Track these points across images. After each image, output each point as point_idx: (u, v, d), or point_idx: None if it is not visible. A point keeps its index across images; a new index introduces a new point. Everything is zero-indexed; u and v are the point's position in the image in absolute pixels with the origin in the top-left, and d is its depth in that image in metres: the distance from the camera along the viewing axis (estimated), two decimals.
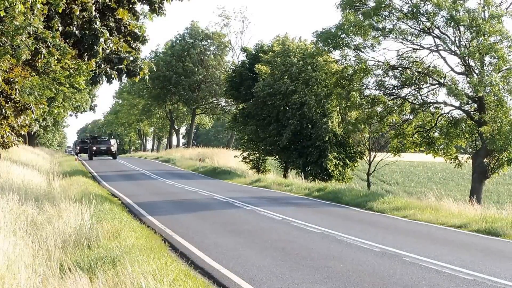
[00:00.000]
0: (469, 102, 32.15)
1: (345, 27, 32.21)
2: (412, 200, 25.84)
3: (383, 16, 32.34)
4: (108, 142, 67.52)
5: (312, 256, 13.82)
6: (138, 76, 21.77)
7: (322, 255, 13.90)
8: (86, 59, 19.60)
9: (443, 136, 33.40)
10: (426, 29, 31.99)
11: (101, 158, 67.47)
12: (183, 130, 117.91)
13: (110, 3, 20.38)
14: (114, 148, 66.52)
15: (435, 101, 33.55)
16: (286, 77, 43.97)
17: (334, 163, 43.35)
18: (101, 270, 10.50)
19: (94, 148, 65.17)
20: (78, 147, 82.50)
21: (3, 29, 13.80)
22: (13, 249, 10.90)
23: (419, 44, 32.84)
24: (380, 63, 33.13)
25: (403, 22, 32.25)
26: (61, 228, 14.34)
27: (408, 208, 22.99)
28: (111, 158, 67.15)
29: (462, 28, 31.21)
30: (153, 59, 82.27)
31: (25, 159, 41.67)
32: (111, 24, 20.75)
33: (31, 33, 14.18)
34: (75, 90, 59.68)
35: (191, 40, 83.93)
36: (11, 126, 24.39)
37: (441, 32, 31.98)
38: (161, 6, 21.81)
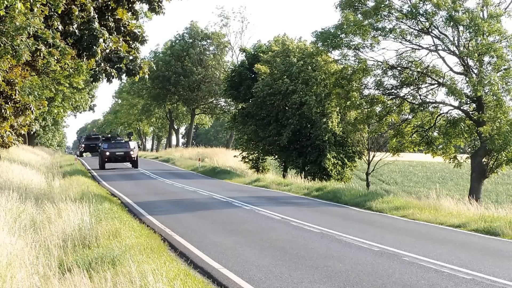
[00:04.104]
0: (468, 102, 32.22)
1: (344, 27, 32.28)
2: (411, 199, 25.87)
3: (382, 16, 32.39)
4: (126, 145, 49.61)
5: (311, 255, 13.84)
6: (138, 75, 21.82)
7: (321, 255, 13.93)
8: (85, 59, 19.66)
9: (442, 136, 33.45)
10: (425, 29, 32.04)
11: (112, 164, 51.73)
12: (182, 129, 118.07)
13: (109, 3, 20.43)
14: (134, 154, 49.30)
15: (434, 100, 33.62)
16: (285, 77, 43.99)
17: (333, 162, 43.38)
18: (101, 269, 10.53)
19: (108, 153, 48.26)
20: (83, 145, 72.19)
21: (3, 29, 13.83)
22: (12, 248, 10.92)
23: (418, 44, 32.91)
24: (379, 63, 33.20)
25: (402, 22, 32.31)
26: (60, 227, 14.37)
27: (407, 208, 23.01)
28: (131, 166, 51.34)
29: (461, 28, 31.26)
30: (152, 59, 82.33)
31: (25, 158, 41.70)
32: (110, 24, 20.80)
33: (31, 33, 14.21)
34: (75, 90, 59.71)
35: (191, 40, 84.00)
36: (11, 125, 24.42)
37: (440, 32, 32.05)
38: (160, 4, 21.84)
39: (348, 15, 32.35)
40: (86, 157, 74.27)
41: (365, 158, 44.85)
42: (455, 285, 11.25)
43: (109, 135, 62.13)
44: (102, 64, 20.73)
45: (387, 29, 32.21)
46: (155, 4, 21.80)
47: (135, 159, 49.51)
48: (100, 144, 51.78)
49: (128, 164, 52.23)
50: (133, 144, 50.22)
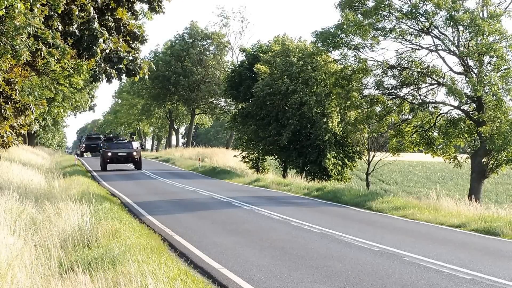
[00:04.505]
0: (468, 102, 32.21)
1: (344, 27, 32.27)
2: (411, 199, 25.87)
3: (382, 16, 32.39)
4: (129, 145, 47.51)
5: (311, 255, 13.85)
6: (138, 76, 21.81)
7: (321, 255, 13.93)
8: (85, 59, 19.66)
9: (442, 136, 33.44)
10: (425, 29, 32.05)
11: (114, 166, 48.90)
12: (182, 129, 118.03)
13: (109, 3, 20.42)
14: (137, 154, 47.25)
15: (434, 100, 33.62)
16: (285, 77, 43.99)
17: (333, 162, 43.40)
18: (101, 269, 10.53)
19: (110, 154, 46.02)
20: (84, 145, 70.85)
21: (3, 29, 13.83)
22: (13, 248, 10.92)
23: (418, 44, 32.91)
24: (379, 63, 33.20)
25: (401, 22, 32.31)
26: (60, 227, 14.38)
27: (407, 208, 23.02)
28: (132, 167, 48.81)
29: (461, 28, 31.27)
30: (152, 59, 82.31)
31: (25, 158, 41.69)
32: (110, 24, 20.80)
33: (31, 33, 14.21)
34: (75, 90, 59.70)
35: (191, 40, 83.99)
36: (11, 125, 24.44)
37: (440, 32, 32.06)
38: (160, 4, 21.84)
39: (348, 15, 32.35)
40: (86, 157, 73.92)
41: (365, 158, 44.86)
42: (455, 285, 11.25)
43: (111, 135, 59.30)
44: (102, 65, 20.73)
45: (387, 29, 32.22)
46: (155, 4, 21.80)
47: (138, 160, 47.43)
48: (101, 144, 49.84)
49: (127, 164, 49.86)
50: (136, 144, 48.29)
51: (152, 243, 13.75)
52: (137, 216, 20.49)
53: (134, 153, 46.78)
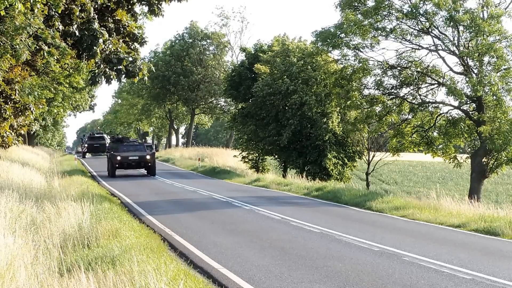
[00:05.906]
0: (468, 102, 32.22)
1: (345, 26, 32.29)
2: (411, 199, 25.86)
3: (382, 15, 32.40)
4: (141, 147, 42.15)
5: (311, 255, 13.84)
6: (137, 77, 21.81)
7: (321, 255, 13.93)
8: (85, 60, 19.67)
9: (442, 136, 33.43)
10: (425, 29, 32.05)
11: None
12: (182, 129, 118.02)
13: (109, 4, 20.42)
14: (151, 158, 41.52)
15: (434, 100, 33.62)
16: (285, 77, 43.97)
17: (334, 162, 43.40)
18: (101, 269, 10.53)
19: (119, 157, 40.18)
20: (86, 145, 67.42)
21: (3, 29, 13.83)
22: (12, 248, 10.92)
23: (418, 44, 32.91)
24: (379, 63, 33.20)
25: (402, 22, 32.31)
26: (60, 227, 14.38)
27: (407, 208, 23.01)
28: (144, 172, 43.81)
29: (461, 28, 31.27)
30: (152, 59, 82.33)
31: (25, 158, 41.66)
32: (110, 25, 20.81)
33: (31, 33, 14.22)
34: (75, 90, 59.68)
35: (191, 40, 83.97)
36: (11, 125, 24.44)
37: (440, 32, 32.07)
38: (160, 7, 21.88)
39: (348, 14, 32.36)
40: (86, 157, 73.37)
41: (365, 158, 44.86)
42: (455, 285, 11.25)
43: (120, 136, 54.13)
44: (102, 66, 20.72)
45: (388, 29, 32.23)
46: (154, 6, 21.83)
47: (152, 164, 41.66)
48: (109, 147, 44.50)
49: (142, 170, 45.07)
50: (149, 146, 43.75)
51: (152, 243, 13.75)
52: (137, 216, 20.49)
53: (148, 157, 41.21)
